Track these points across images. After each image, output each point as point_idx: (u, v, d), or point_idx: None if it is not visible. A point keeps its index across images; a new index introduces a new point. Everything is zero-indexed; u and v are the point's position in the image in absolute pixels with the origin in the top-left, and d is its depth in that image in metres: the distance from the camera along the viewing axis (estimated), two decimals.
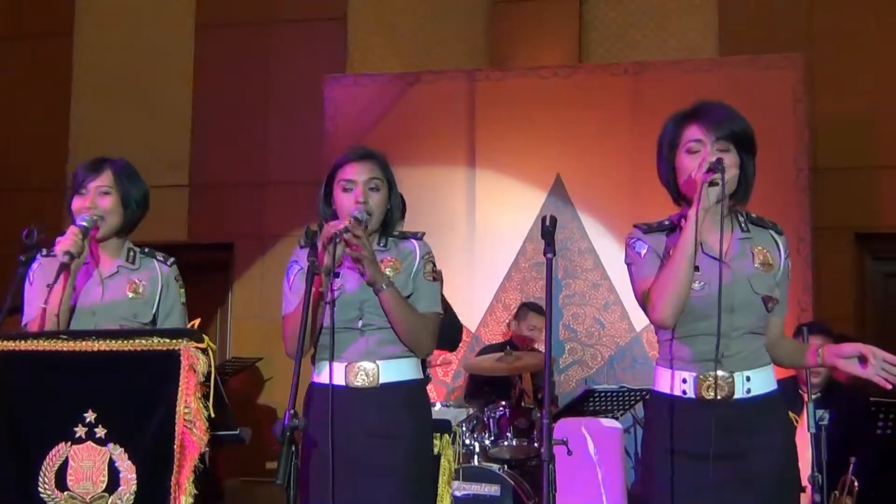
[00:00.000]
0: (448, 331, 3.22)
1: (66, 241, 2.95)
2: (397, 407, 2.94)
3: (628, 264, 2.77)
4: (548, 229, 2.75)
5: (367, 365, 2.92)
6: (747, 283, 2.66)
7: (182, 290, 3.21)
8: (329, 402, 2.75)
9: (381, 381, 2.92)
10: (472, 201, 7.02)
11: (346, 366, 2.91)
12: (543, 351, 5.54)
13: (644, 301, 2.68)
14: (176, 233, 7.56)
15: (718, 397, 2.59)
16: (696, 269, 2.56)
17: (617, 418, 5.57)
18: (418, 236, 3.10)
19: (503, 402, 5.19)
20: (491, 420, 5.10)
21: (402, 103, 7.15)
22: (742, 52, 7.01)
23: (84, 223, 3.02)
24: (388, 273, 2.96)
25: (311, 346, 2.89)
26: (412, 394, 2.99)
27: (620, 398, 5.74)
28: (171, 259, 3.23)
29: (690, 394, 2.62)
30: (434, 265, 3.07)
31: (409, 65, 7.61)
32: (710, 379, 2.60)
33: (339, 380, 2.90)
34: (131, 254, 3.17)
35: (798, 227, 6.48)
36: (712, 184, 2.54)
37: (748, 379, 2.63)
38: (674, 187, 2.72)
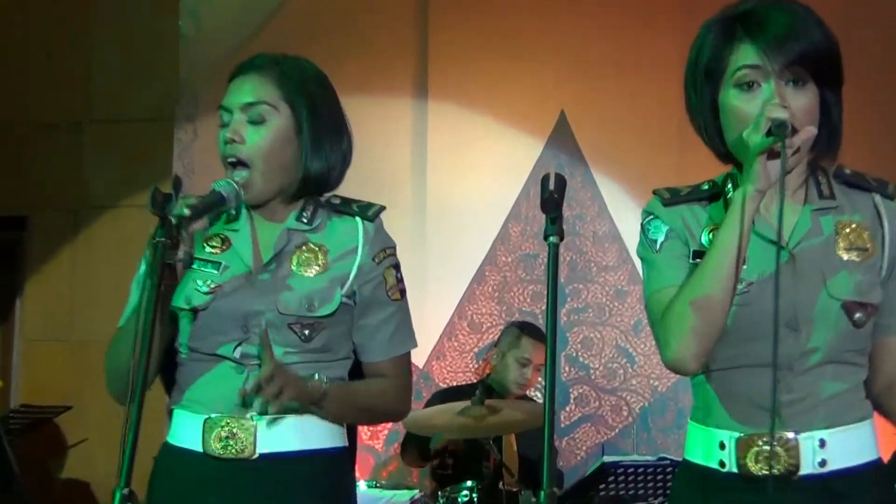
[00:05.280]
0: None
1: None
2: (285, 494, 2.38)
3: (641, 258, 2.33)
4: (552, 196, 2.13)
5: (241, 423, 2.35)
6: (821, 282, 2.10)
7: None
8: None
9: (260, 450, 2.34)
10: (421, 152, 5.89)
11: (205, 420, 2.35)
12: (535, 399, 5.28)
13: (656, 325, 2.19)
14: None
15: (775, 472, 2.13)
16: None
17: None
18: (369, 213, 2.55)
19: (469, 483, 4.60)
20: None
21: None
22: None
23: None
24: (303, 273, 2.45)
25: (152, 380, 2.34)
26: (317, 472, 2.41)
27: (657, 476, 4.91)
28: None
29: (730, 466, 2.10)
30: (398, 271, 2.56)
31: None
32: (760, 442, 2.09)
33: (193, 442, 2.38)
34: None
35: None
36: (772, 155, 2.05)
37: (822, 444, 2.06)
38: (715, 136, 2.19)
